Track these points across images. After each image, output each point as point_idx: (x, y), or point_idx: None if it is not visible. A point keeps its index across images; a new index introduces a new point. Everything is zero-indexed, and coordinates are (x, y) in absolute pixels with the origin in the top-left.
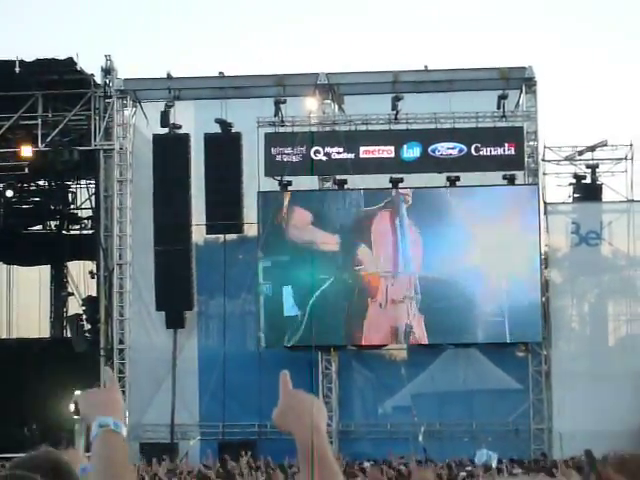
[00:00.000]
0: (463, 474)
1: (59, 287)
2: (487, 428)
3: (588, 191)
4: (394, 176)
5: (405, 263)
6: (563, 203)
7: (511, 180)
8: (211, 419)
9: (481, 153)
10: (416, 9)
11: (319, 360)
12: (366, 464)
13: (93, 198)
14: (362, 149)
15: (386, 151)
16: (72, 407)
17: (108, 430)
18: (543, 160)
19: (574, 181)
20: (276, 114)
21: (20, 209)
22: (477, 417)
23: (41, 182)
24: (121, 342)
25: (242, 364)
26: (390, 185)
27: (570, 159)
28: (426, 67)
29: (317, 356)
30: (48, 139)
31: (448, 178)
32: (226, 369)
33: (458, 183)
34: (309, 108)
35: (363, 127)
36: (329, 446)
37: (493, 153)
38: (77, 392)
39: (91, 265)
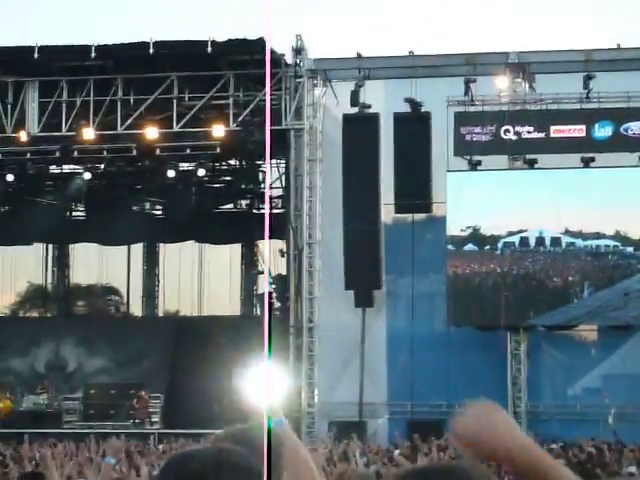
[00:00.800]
0: None
1: (249, 265)
2: None
3: None
4: (585, 155)
5: None
6: None
7: None
8: (399, 398)
9: None
10: None
11: (508, 341)
12: (553, 446)
13: (283, 177)
14: (553, 128)
15: (577, 130)
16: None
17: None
18: None
19: None
20: (466, 93)
21: (212, 188)
22: None
23: (232, 161)
24: (310, 320)
25: (430, 344)
26: (581, 165)
27: None
28: (619, 45)
29: (506, 336)
30: (239, 119)
31: None
32: (414, 348)
33: None
34: (499, 87)
35: (554, 106)
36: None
37: None
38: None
39: (281, 244)
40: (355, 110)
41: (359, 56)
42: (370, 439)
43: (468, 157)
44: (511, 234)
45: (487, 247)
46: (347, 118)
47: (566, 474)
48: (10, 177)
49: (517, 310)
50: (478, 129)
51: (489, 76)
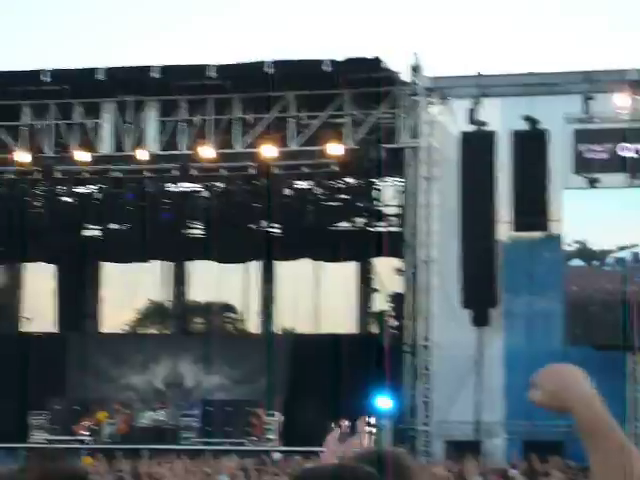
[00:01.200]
0: None
1: (365, 283)
2: None
3: None
4: None
5: None
6: None
7: None
8: (516, 417)
9: None
10: None
11: (627, 361)
12: None
13: (399, 195)
14: None
15: None
16: None
17: None
18: None
19: None
20: (584, 110)
21: (328, 206)
22: None
23: (348, 179)
24: (426, 339)
25: (548, 363)
26: None
27: None
28: None
29: (625, 356)
30: (356, 137)
31: None
32: (532, 367)
33: None
34: (618, 104)
35: None
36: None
37: None
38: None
39: (397, 262)
40: (472, 128)
41: (476, 74)
42: (486, 459)
43: (587, 175)
44: (622, 249)
45: (598, 262)
46: (464, 136)
47: (625, 441)
48: (130, 198)
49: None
50: (597, 147)
51: (608, 93)
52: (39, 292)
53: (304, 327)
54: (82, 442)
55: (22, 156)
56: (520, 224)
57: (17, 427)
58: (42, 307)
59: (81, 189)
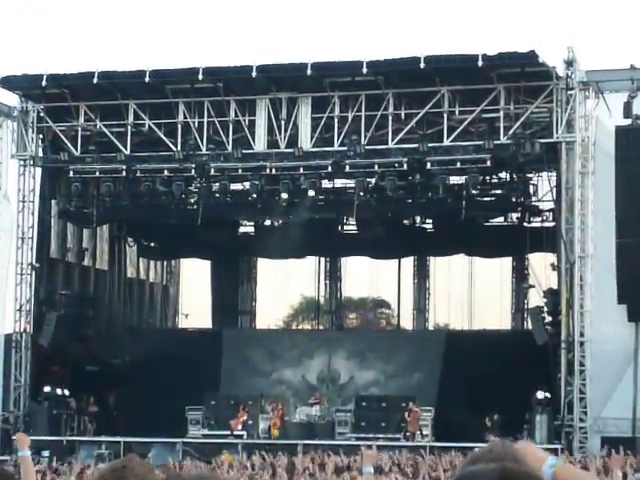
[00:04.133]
0: None
1: (520, 279)
2: None
3: None
4: None
5: None
6: None
7: None
8: None
9: None
10: None
11: None
12: None
13: (554, 190)
14: None
15: None
16: None
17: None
18: None
19: None
20: None
21: (482, 202)
22: None
23: (502, 175)
24: (582, 335)
25: None
26: None
27: None
28: None
29: None
30: (510, 132)
31: None
32: None
33: None
34: None
35: None
36: None
37: None
38: None
39: (552, 257)
40: (628, 122)
41: (632, 67)
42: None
43: None
44: None
45: None
46: (620, 130)
47: None
48: (284, 195)
49: None
50: None
51: None
52: (195, 288)
53: (458, 323)
54: (239, 437)
55: (178, 153)
56: None
57: (175, 422)
58: (198, 303)
59: (236, 186)
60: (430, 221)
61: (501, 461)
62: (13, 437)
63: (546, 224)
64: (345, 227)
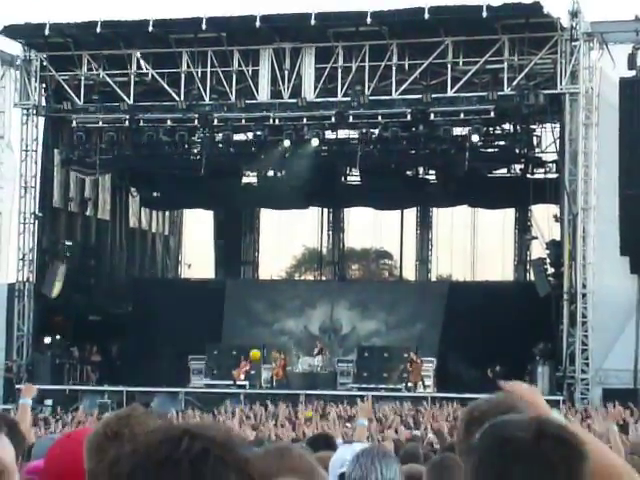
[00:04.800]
0: None
1: (523, 231)
2: None
3: None
4: None
5: None
6: None
7: None
8: None
9: None
10: None
11: None
12: None
13: (557, 142)
14: None
15: None
16: None
17: None
18: None
19: None
20: None
21: (485, 153)
22: None
23: (506, 126)
24: (584, 286)
25: None
26: None
27: None
28: None
29: None
30: (514, 83)
31: None
32: None
33: None
34: None
35: None
36: None
37: None
38: None
39: (555, 209)
40: (632, 73)
41: (637, 18)
42: None
43: None
44: None
45: None
46: (624, 81)
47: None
48: (287, 142)
49: None
50: None
51: None
52: (198, 239)
53: (460, 274)
54: (241, 387)
55: (181, 103)
56: None
57: (178, 371)
58: (201, 254)
59: (239, 136)
60: (433, 172)
61: (508, 412)
62: (17, 386)
63: (549, 175)
64: (348, 178)
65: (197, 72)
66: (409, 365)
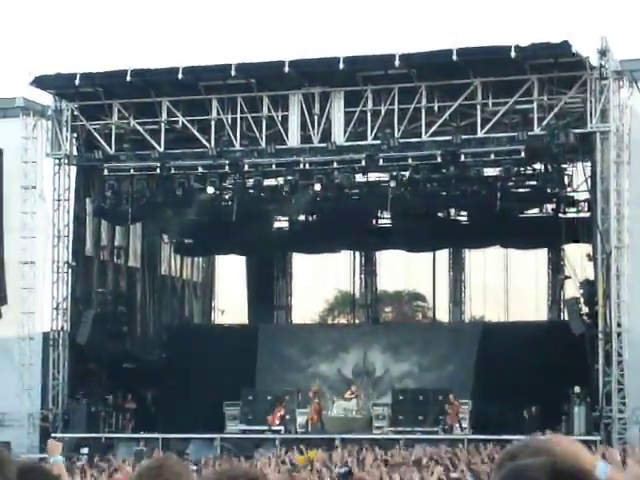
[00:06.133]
0: None
1: (556, 270)
2: None
3: None
4: None
5: None
6: None
7: None
8: None
9: None
10: None
11: None
12: None
13: (589, 180)
14: None
15: None
16: None
17: None
18: None
19: None
20: None
21: (516, 193)
22: None
23: (537, 166)
24: (619, 325)
25: None
26: None
27: None
28: None
29: None
30: (544, 123)
31: None
32: None
33: None
34: None
35: None
36: None
37: None
38: None
39: (588, 248)
40: None
41: None
42: None
43: None
44: None
45: None
46: None
47: None
48: (317, 186)
49: None
50: None
51: None
52: (231, 284)
53: (493, 315)
54: (276, 433)
55: (211, 150)
56: None
57: (213, 417)
58: (234, 299)
59: (270, 181)
60: (465, 213)
61: (537, 455)
62: (52, 434)
63: (581, 214)
64: (379, 221)
65: (227, 118)
66: (447, 407)
